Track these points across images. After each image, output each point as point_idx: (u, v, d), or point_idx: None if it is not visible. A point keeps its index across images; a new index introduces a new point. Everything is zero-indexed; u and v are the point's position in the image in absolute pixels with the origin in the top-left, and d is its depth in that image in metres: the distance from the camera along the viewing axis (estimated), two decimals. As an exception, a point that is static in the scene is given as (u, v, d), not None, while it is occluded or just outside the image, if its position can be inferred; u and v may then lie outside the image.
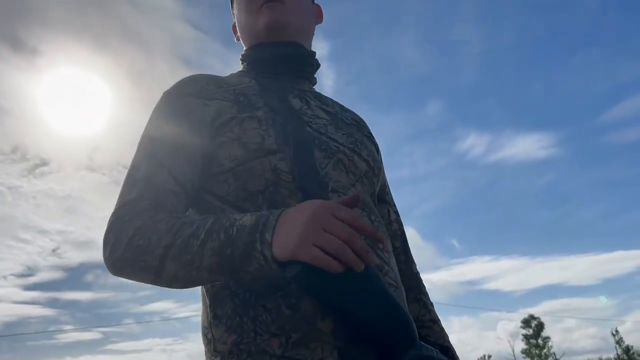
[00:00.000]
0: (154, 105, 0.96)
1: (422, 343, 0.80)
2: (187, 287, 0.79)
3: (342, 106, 1.12)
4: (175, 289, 0.80)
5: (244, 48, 1.09)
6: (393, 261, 0.92)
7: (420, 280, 1.07)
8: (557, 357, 68.64)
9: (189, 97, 0.93)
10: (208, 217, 0.77)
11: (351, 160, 0.95)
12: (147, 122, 0.94)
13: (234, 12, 1.13)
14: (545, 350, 67.92)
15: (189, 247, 0.74)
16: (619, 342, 71.39)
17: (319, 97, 1.06)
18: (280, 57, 1.03)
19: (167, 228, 0.76)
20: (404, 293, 0.92)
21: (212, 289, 0.85)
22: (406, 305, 0.90)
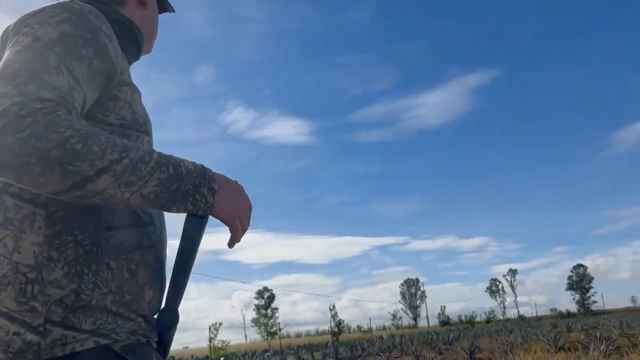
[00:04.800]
0: (69, 22, 0.88)
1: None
2: (93, 200, 0.76)
3: None
4: (85, 201, 0.78)
5: (136, 24, 1.11)
6: None
7: None
8: (281, 326, 74.97)
9: (106, 37, 0.92)
10: (152, 149, 0.82)
11: None
12: (53, 21, 0.86)
13: (151, 6, 1.20)
14: (272, 320, 73.68)
15: (136, 169, 0.76)
16: (334, 316, 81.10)
17: None
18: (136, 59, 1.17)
19: (111, 143, 0.75)
20: None
21: (49, 228, 0.82)
22: None
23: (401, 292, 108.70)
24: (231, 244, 0.96)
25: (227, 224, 0.92)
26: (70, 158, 0.71)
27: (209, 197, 0.86)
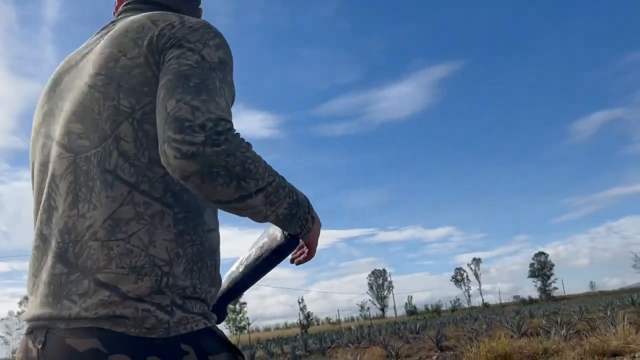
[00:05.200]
0: (223, 48, 0.99)
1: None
2: (241, 214, 0.90)
3: None
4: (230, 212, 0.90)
5: None
6: None
7: None
8: (250, 321, 74.56)
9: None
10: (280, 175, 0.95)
11: None
12: (214, 46, 0.97)
13: None
14: (240, 315, 73.20)
15: (278, 192, 0.91)
16: (302, 309, 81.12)
17: None
18: None
19: (268, 167, 0.90)
20: None
21: (175, 227, 0.93)
22: None
23: (369, 283, 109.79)
24: (300, 263, 1.20)
25: (309, 248, 1.14)
26: (245, 175, 0.84)
27: (310, 224, 1.03)
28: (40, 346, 0.89)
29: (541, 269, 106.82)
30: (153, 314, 0.87)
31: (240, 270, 1.17)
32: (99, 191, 0.91)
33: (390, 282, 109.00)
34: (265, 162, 0.89)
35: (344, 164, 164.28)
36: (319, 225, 1.10)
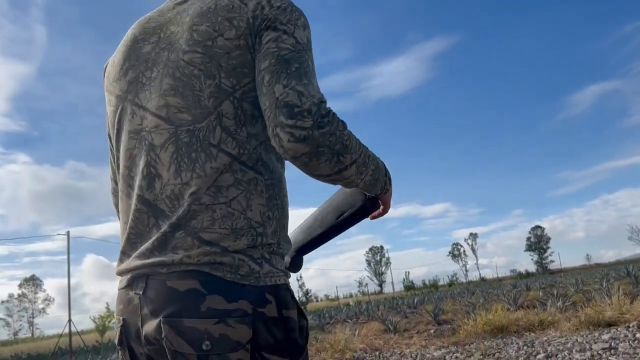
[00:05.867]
0: (307, 27, 1.08)
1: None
2: (336, 183, 1.03)
3: None
4: (322, 180, 1.00)
5: None
6: None
7: None
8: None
9: None
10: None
11: None
12: (303, 26, 1.05)
13: None
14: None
15: (366, 163, 1.02)
16: (301, 286, 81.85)
17: None
18: None
19: (358, 141, 1.00)
20: None
21: (267, 193, 1.04)
22: None
23: (366, 260, 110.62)
24: (375, 218, 1.28)
25: (384, 205, 1.24)
26: (343, 151, 0.95)
27: (388, 185, 1.16)
28: (141, 292, 1.00)
29: (537, 242, 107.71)
30: (247, 263, 0.98)
31: (317, 225, 1.31)
32: (203, 162, 1.00)
33: (388, 259, 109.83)
34: (355, 137, 1.00)
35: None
36: (391, 187, 1.20)
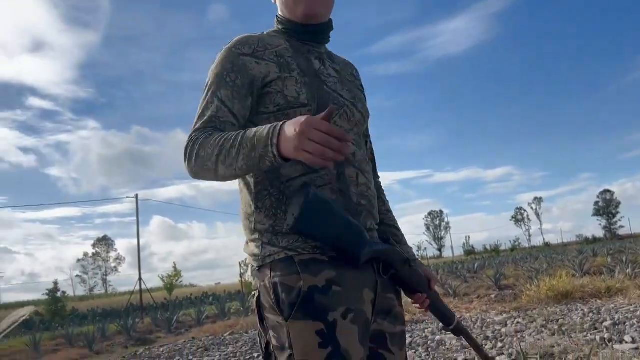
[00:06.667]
0: (217, 59, 1.31)
1: (373, 241, 1.23)
2: (232, 180, 1.21)
3: (344, 59, 1.53)
4: (226, 181, 1.23)
5: (279, 10, 1.42)
6: (370, 172, 1.39)
7: (380, 184, 1.59)
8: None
9: (246, 56, 1.29)
10: (240, 131, 1.14)
11: (352, 112, 1.36)
12: (212, 69, 1.30)
13: None
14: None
15: (229, 154, 1.13)
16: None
17: (331, 56, 1.46)
18: (311, 33, 1.39)
19: (217, 142, 1.15)
20: (376, 194, 1.41)
21: (255, 189, 1.28)
22: (377, 209, 1.39)
23: (425, 224, 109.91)
24: (322, 165, 1.00)
25: (302, 160, 1.01)
26: (202, 162, 1.17)
27: (274, 150, 1.05)
28: None
29: (606, 207, 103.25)
30: (252, 250, 1.28)
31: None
32: None
33: (448, 223, 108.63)
34: (214, 137, 1.16)
35: (398, 103, 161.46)
36: (289, 133, 1.01)
